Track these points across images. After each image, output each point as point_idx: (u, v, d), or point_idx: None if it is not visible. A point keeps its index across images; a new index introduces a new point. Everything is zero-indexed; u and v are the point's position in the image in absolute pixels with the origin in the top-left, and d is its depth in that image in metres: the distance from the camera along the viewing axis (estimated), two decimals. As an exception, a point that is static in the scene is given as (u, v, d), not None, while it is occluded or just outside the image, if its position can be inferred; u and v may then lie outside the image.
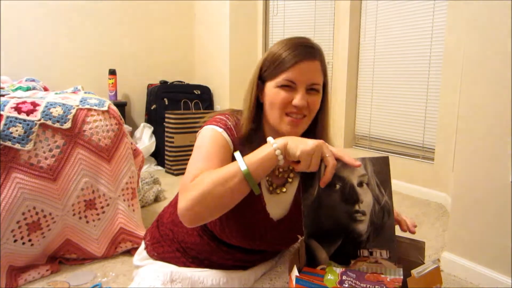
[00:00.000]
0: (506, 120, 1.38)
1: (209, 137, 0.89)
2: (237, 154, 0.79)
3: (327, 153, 0.76)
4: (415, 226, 0.87)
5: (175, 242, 1.02)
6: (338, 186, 0.79)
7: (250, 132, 0.92)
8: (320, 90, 0.91)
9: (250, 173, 0.75)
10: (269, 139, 0.80)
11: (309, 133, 0.93)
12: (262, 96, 0.93)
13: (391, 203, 0.77)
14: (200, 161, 0.85)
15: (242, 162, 0.76)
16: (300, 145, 0.75)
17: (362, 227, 0.79)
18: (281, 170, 0.97)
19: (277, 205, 0.95)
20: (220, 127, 0.90)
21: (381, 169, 0.76)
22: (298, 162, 0.76)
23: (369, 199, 0.78)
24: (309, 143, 0.75)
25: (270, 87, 0.89)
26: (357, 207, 0.79)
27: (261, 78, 0.92)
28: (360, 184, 0.77)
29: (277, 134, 0.89)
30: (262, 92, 0.93)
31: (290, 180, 0.97)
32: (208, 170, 0.81)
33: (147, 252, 1.07)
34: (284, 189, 0.96)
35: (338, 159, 0.77)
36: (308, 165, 0.75)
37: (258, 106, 0.94)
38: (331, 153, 0.76)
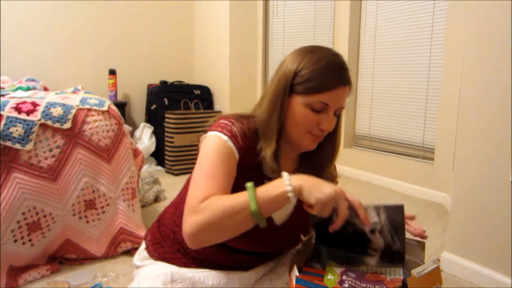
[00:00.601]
0: (506, 120, 1.38)
1: (214, 147, 0.85)
2: (249, 189, 0.76)
3: (341, 204, 0.74)
4: (424, 231, 0.85)
5: (176, 242, 1.01)
6: (350, 230, 0.78)
7: (275, 152, 0.88)
8: (341, 115, 0.94)
9: (260, 212, 0.74)
10: (284, 176, 0.77)
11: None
12: (286, 104, 0.89)
13: (403, 250, 0.77)
14: (207, 179, 0.82)
15: (253, 201, 0.74)
16: (316, 193, 0.73)
17: (373, 261, 0.80)
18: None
19: (281, 210, 0.94)
20: (225, 134, 0.87)
21: (395, 217, 0.76)
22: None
23: (381, 244, 0.79)
24: (325, 192, 0.73)
25: (299, 103, 0.86)
26: (369, 247, 0.80)
27: (289, 88, 0.88)
28: (373, 231, 0.77)
29: (291, 145, 0.92)
30: (287, 100, 0.88)
31: None
32: (217, 194, 0.79)
33: (148, 252, 1.07)
34: None
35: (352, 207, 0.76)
36: (320, 212, 0.74)
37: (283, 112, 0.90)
38: (346, 204, 0.74)
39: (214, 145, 0.86)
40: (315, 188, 0.74)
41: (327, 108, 0.86)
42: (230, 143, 0.86)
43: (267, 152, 0.88)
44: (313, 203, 0.73)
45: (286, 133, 0.91)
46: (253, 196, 0.75)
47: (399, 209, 0.77)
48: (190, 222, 0.77)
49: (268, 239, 0.94)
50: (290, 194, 0.74)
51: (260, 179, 0.89)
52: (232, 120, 0.90)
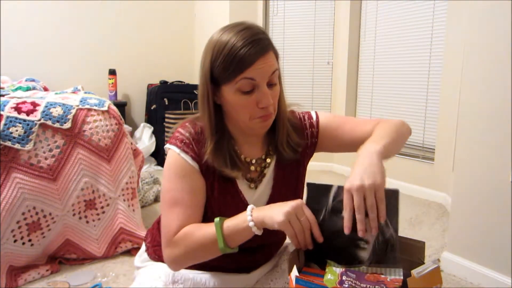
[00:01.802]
0: (506, 120, 1.38)
1: (170, 167, 0.87)
2: (217, 226, 0.79)
3: (301, 216, 0.76)
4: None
5: None
6: (336, 227, 0.78)
7: (216, 145, 0.86)
8: (277, 80, 0.86)
9: (228, 247, 0.80)
10: (248, 210, 0.80)
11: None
12: (218, 99, 0.86)
13: (396, 237, 0.76)
14: (174, 207, 0.85)
15: (220, 239, 0.79)
16: (276, 218, 0.75)
17: (364, 254, 0.78)
18: (254, 163, 0.93)
19: (259, 196, 0.93)
20: (177, 146, 0.87)
21: (389, 201, 0.74)
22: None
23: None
24: (281, 211, 0.75)
25: (229, 93, 0.82)
26: (360, 239, 0.78)
27: (214, 81, 0.84)
28: (366, 214, 0.75)
29: (243, 135, 0.90)
30: (218, 94, 0.85)
31: (268, 164, 0.94)
32: (187, 223, 0.84)
33: (148, 255, 1.06)
34: (264, 175, 0.93)
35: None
36: (292, 233, 0.76)
37: (216, 108, 0.87)
38: (306, 214, 0.77)
39: (170, 164, 0.88)
40: (274, 214, 0.76)
41: (257, 84, 0.81)
42: (184, 155, 0.86)
43: (207, 151, 0.86)
44: (277, 227, 0.76)
45: (236, 125, 0.89)
46: (220, 234, 0.79)
47: (394, 193, 0.76)
48: (167, 254, 0.85)
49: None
50: (254, 228, 0.78)
51: (232, 179, 0.90)
52: (186, 124, 0.90)
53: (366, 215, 0.72)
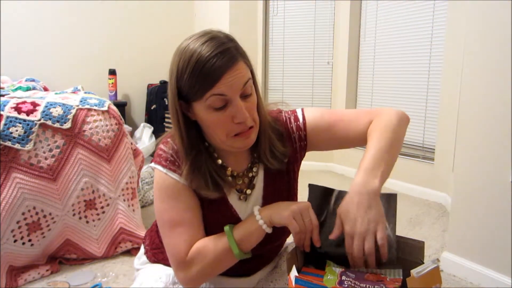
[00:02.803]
0: (506, 120, 1.38)
1: (160, 189, 0.83)
2: (228, 234, 0.79)
3: (306, 217, 0.77)
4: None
5: None
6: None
7: (193, 164, 0.81)
8: (252, 89, 0.79)
9: (242, 252, 0.79)
10: (255, 211, 0.80)
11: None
12: (192, 115, 0.80)
13: (393, 238, 0.78)
14: (175, 228, 0.82)
15: (234, 246, 0.79)
16: (282, 212, 0.77)
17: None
18: (242, 175, 0.89)
19: (251, 208, 0.89)
20: (163, 165, 0.83)
21: (388, 205, 0.77)
22: None
23: None
24: (288, 208, 0.77)
25: (201, 110, 0.76)
26: None
27: (183, 98, 0.78)
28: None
29: (227, 150, 0.84)
30: (190, 110, 0.79)
31: (254, 173, 0.90)
32: (193, 241, 0.82)
33: (147, 257, 1.05)
34: (253, 186, 0.89)
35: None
36: (296, 228, 0.77)
37: (189, 125, 0.81)
38: (310, 217, 0.77)
39: (159, 184, 0.84)
40: (280, 210, 0.78)
41: (229, 99, 0.74)
42: (171, 174, 0.82)
43: (182, 172, 0.81)
44: (284, 222, 0.77)
45: (214, 144, 0.84)
46: (233, 241, 0.79)
47: (393, 197, 0.78)
48: (183, 276, 0.83)
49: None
50: (264, 226, 0.79)
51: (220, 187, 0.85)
52: (168, 140, 0.86)
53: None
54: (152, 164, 0.86)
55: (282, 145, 0.89)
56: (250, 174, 0.89)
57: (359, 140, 0.91)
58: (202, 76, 0.73)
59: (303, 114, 0.93)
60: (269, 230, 0.79)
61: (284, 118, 0.93)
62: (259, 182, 0.90)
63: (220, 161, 0.86)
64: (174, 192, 0.83)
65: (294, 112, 0.94)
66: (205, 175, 0.82)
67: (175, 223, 0.82)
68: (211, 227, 0.86)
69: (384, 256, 0.73)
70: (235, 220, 0.87)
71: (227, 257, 0.80)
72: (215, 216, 0.86)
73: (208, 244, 0.81)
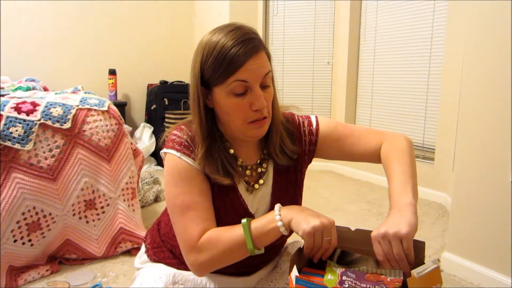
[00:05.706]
0: (506, 120, 1.38)
1: (173, 172, 0.84)
2: (245, 227, 0.78)
3: (326, 236, 0.75)
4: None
5: (177, 248, 1.00)
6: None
7: (208, 150, 0.84)
8: (271, 82, 0.84)
9: (256, 248, 0.79)
10: (276, 210, 0.79)
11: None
12: (211, 102, 0.84)
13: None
14: (187, 212, 0.82)
15: (249, 240, 0.78)
16: (303, 225, 0.74)
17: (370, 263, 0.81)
18: (250, 168, 0.91)
19: (259, 202, 0.92)
20: (176, 149, 0.84)
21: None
22: None
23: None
24: (311, 223, 0.73)
25: (222, 95, 0.80)
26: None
27: (204, 83, 0.82)
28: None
29: (239, 139, 0.88)
30: (210, 97, 0.83)
31: (264, 169, 0.92)
32: (206, 227, 0.82)
33: (148, 256, 1.05)
34: (262, 181, 0.92)
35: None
36: (311, 246, 0.75)
37: (207, 112, 0.85)
38: (333, 236, 0.76)
39: (172, 168, 0.84)
40: (303, 220, 0.75)
41: (250, 86, 0.78)
42: (185, 158, 0.84)
43: (197, 156, 0.83)
44: (301, 235, 0.75)
45: (230, 131, 0.87)
46: (249, 235, 0.78)
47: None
48: (192, 260, 0.82)
49: None
50: (282, 229, 0.77)
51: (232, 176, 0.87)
52: (182, 127, 0.88)
53: None
54: (165, 150, 0.87)
55: (291, 143, 0.93)
56: (260, 170, 0.92)
57: (366, 157, 0.95)
58: (227, 61, 0.76)
59: (317, 121, 0.97)
60: (286, 233, 0.78)
61: (297, 120, 0.97)
62: (269, 179, 0.93)
63: (232, 151, 0.89)
64: (188, 176, 0.84)
65: (308, 117, 0.98)
66: (217, 162, 0.84)
67: (188, 207, 0.83)
68: (219, 214, 0.87)
69: (411, 264, 0.72)
70: (243, 209, 0.89)
71: (240, 250, 0.80)
72: (224, 203, 0.87)
73: (223, 234, 0.81)
